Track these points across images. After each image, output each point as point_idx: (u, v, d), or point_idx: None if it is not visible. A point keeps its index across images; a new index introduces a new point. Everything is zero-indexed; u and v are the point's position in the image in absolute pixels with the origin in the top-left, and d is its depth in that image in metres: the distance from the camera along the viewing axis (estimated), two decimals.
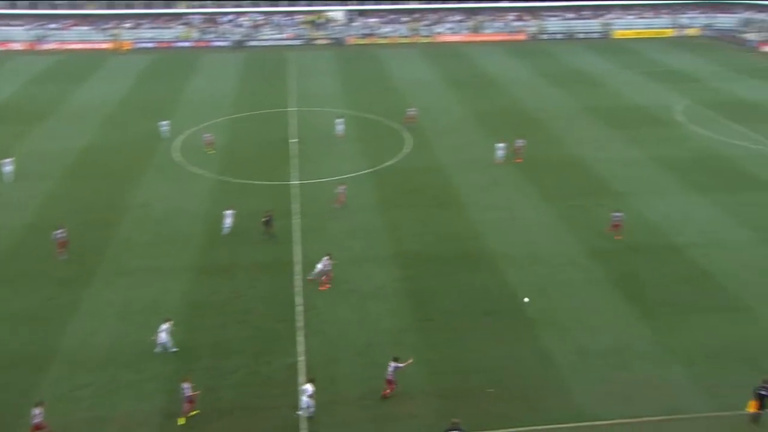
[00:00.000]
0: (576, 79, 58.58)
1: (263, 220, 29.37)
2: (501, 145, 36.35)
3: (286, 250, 28.39)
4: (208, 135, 41.30)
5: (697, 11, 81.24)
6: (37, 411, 18.36)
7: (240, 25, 78.29)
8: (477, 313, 24.27)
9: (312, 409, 19.26)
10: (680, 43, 74.68)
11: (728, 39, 74.92)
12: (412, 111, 46.30)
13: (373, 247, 28.85)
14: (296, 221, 30.99)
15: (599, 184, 35.53)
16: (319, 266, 25.86)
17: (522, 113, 48.60)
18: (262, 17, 79.21)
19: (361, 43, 76.65)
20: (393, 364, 20.02)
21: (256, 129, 44.77)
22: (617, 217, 29.48)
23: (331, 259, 26.08)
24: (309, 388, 19.31)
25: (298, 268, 26.95)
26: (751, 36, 73.96)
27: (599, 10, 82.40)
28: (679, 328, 23.31)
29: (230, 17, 79.10)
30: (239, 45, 74.92)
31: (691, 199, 33.47)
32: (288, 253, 28.09)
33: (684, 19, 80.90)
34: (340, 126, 43.18)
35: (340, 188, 32.93)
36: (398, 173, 37.09)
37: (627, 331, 23.21)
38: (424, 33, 78.89)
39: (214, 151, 39.97)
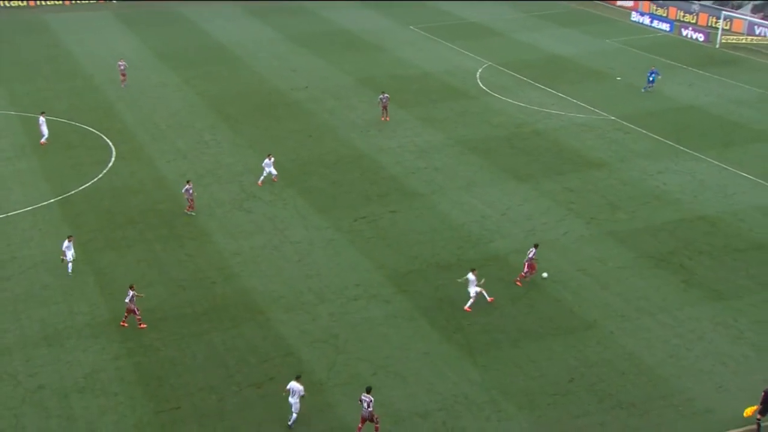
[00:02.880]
0: (344, 43, 62.31)
1: None
2: (269, 161, 37.47)
3: None
4: None
5: None
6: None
7: None
8: (244, 385, 24.36)
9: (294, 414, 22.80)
10: None
11: None
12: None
13: (72, 315, 27.51)
14: None
15: (390, 183, 38.15)
16: None
17: (273, 94, 50.32)
18: None
19: (17, 5, 72.97)
20: None
21: None
22: (531, 254, 29.76)
23: None
24: (299, 387, 22.78)
25: None
26: None
27: None
28: (513, 362, 25.78)
29: None
30: None
31: (509, 189, 37.57)
32: None
33: None
34: (43, 128, 42.37)
35: (186, 188, 34.52)
36: (103, 197, 36.32)
37: (448, 377, 25.06)
38: None
39: None
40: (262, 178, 37.54)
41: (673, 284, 29.72)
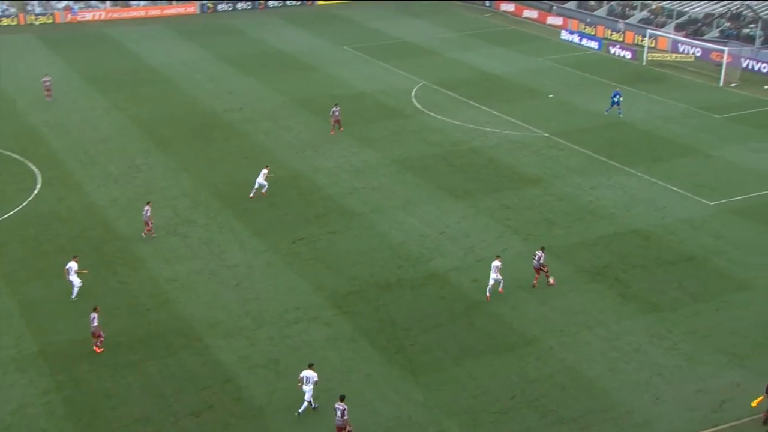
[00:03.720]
0: (279, 64, 62.34)
1: None
2: (263, 173, 38.08)
3: None
4: None
5: None
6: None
7: None
8: (182, 414, 23.92)
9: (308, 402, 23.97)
10: (403, 7, 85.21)
11: None
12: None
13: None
14: None
15: (328, 204, 38.14)
16: None
17: (207, 116, 50.02)
18: None
19: None
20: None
21: None
22: (538, 257, 30.55)
23: None
24: (312, 374, 23.98)
25: None
26: None
27: None
28: (455, 381, 25.91)
29: None
30: None
31: (447, 207, 37.91)
32: None
33: None
34: None
35: (145, 209, 34.35)
36: (28, 226, 35.53)
37: (390, 398, 24.97)
38: (40, 10, 75.83)
39: None
40: (253, 191, 38.22)
41: (610, 298, 30.40)
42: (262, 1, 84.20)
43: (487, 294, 30.07)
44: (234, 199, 38.35)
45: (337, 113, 46.77)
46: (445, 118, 49.91)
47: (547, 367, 26.47)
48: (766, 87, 55.95)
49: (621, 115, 48.89)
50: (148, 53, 64.92)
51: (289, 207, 37.89)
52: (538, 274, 30.90)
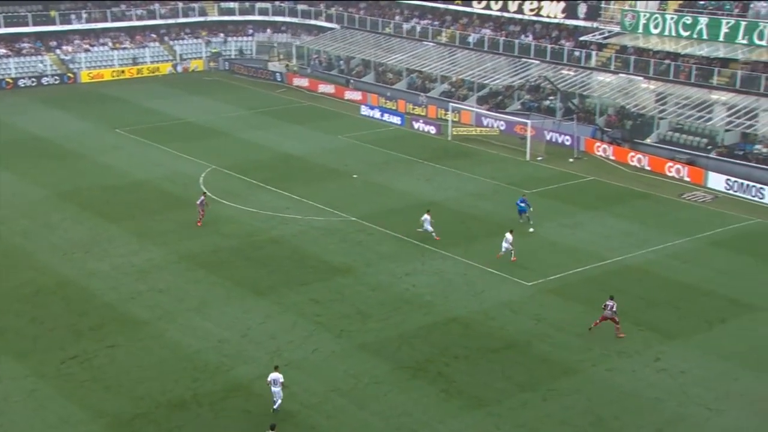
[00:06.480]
0: (37, 152, 60.19)
1: None
2: None
3: None
4: None
5: (198, 38, 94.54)
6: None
7: None
8: None
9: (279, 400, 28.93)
10: (183, 84, 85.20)
11: (250, 72, 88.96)
12: None
13: None
14: None
15: (106, 313, 36.62)
16: None
17: None
18: None
19: None
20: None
21: None
22: (609, 306, 34.60)
23: None
24: (279, 376, 29.32)
25: None
26: (274, 66, 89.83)
27: (51, 39, 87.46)
28: None
29: None
30: None
31: (248, 306, 37.32)
32: None
33: (179, 47, 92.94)
34: None
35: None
36: None
37: None
38: None
39: None
40: None
41: (433, 395, 30.87)
42: (10, 80, 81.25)
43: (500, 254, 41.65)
44: None
45: (203, 201, 46.98)
46: (239, 206, 49.72)
47: None
48: (570, 160, 60.65)
49: (532, 231, 46.00)
50: None
51: (55, 320, 35.86)
52: (602, 321, 34.64)
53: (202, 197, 47.11)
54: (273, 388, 29.18)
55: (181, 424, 28.74)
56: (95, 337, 34.46)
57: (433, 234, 44.50)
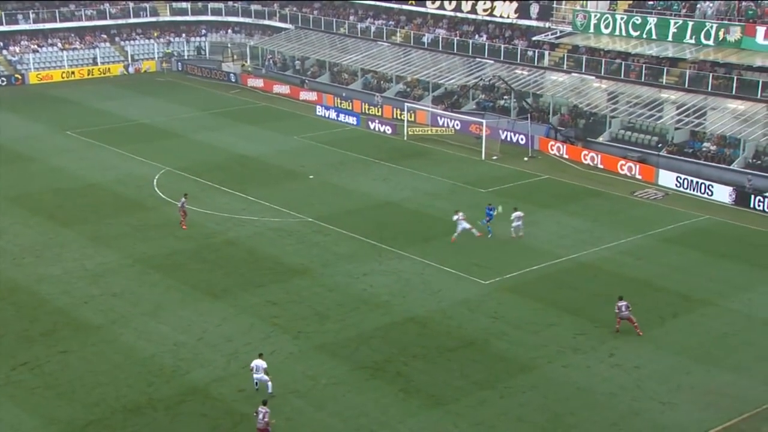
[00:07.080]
0: None
1: None
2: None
3: None
4: None
5: (150, 38, 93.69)
6: None
7: None
8: None
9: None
10: (134, 85, 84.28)
11: (204, 73, 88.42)
12: None
13: None
14: None
15: (57, 318, 36.13)
16: None
17: None
18: None
19: None
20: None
21: None
22: (622, 307, 34.88)
23: None
24: (262, 363, 30.11)
25: None
26: (228, 66, 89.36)
27: None
28: None
29: None
30: None
31: (204, 309, 37.03)
32: None
33: (131, 47, 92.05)
34: None
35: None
36: None
37: None
38: None
39: None
40: None
41: (392, 395, 30.90)
42: None
43: (513, 236, 44.80)
44: None
45: (183, 204, 46.28)
46: (195, 208, 49.28)
47: None
48: (525, 159, 61.12)
49: (490, 236, 45.52)
50: None
51: (5, 327, 35.23)
52: (621, 322, 34.87)
53: (183, 199, 46.34)
54: (255, 375, 29.98)
55: (137, 430, 28.40)
56: (47, 343, 33.95)
57: (474, 231, 44.62)
